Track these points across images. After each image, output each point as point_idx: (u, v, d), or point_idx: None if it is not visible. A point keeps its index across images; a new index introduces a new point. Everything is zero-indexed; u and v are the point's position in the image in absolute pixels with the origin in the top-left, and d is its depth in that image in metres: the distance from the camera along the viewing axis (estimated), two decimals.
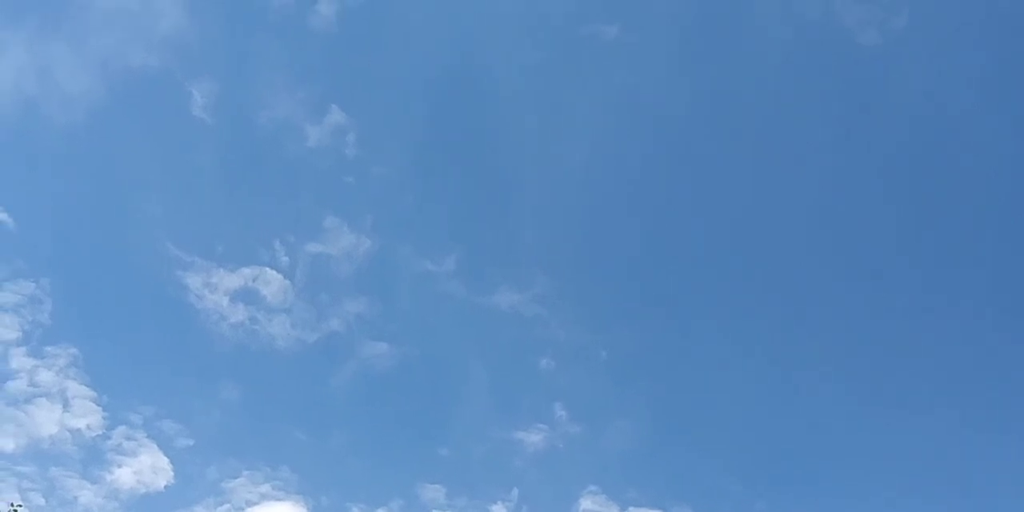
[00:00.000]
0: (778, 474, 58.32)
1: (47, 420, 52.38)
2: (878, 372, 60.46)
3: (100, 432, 53.04)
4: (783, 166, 64.34)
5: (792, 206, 64.36)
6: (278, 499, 53.13)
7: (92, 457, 52.78)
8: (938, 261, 62.06)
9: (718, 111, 64.86)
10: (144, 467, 52.51)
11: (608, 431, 58.85)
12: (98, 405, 53.49)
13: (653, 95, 65.10)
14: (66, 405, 53.11)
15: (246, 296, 57.79)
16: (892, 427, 58.63)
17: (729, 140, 64.48)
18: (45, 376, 53.40)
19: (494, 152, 64.61)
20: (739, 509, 56.34)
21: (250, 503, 52.83)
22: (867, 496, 56.74)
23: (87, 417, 52.98)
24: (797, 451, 59.20)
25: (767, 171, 64.53)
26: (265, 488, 53.40)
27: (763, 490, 57.58)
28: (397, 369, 59.52)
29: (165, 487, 52.65)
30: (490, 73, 64.71)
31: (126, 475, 52.20)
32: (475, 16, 65.12)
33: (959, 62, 62.65)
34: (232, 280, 57.67)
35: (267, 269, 58.38)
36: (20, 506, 18.10)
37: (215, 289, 57.28)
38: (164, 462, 52.97)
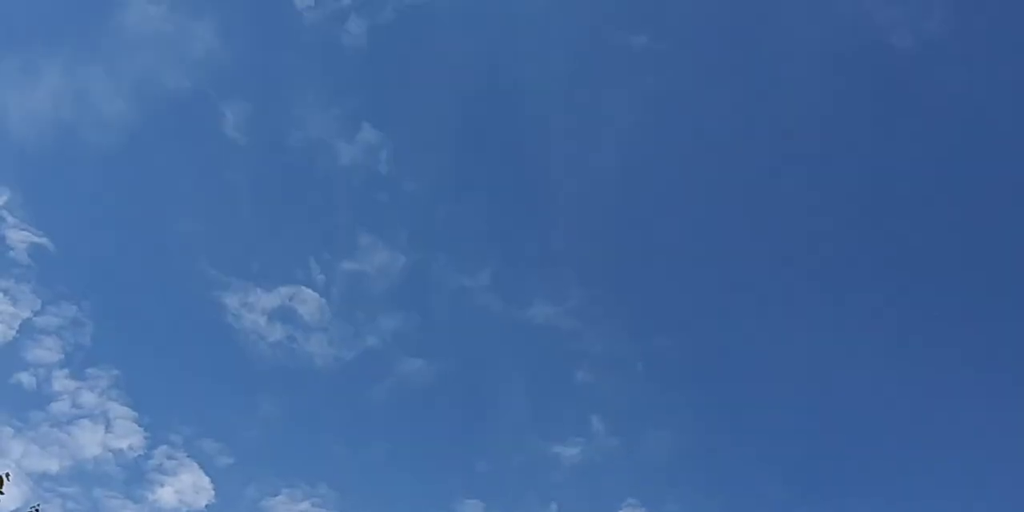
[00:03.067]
0: (821, 483, 58.04)
1: (90, 441, 53.14)
2: (928, 376, 60.02)
3: (142, 452, 53.68)
4: (817, 170, 64.09)
5: (827, 211, 64.02)
6: None
7: (134, 477, 53.44)
8: (968, 262, 61.55)
9: (750, 117, 64.62)
10: (185, 486, 53.08)
11: (646, 443, 58.82)
12: (139, 425, 54.14)
13: (685, 103, 65.18)
14: (108, 426, 53.84)
15: (283, 315, 58.27)
16: (944, 434, 58.22)
17: (762, 145, 64.33)
18: (87, 397, 54.16)
19: (526, 164, 64.80)
20: None
21: None
22: (915, 505, 56.54)
23: (129, 437, 53.65)
24: (841, 459, 58.92)
25: (801, 176, 64.29)
26: (305, 505, 53.81)
27: (805, 499, 57.37)
28: (434, 384, 59.81)
29: (206, 506, 53.20)
30: (520, 85, 64.84)
31: (168, 494, 52.79)
32: (504, 29, 65.27)
33: (995, 64, 62.02)
34: (269, 299, 58.18)
35: (303, 288, 58.84)
36: None
37: (252, 308, 57.81)
38: (205, 481, 53.49)
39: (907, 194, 63.00)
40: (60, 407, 53.80)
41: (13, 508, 17.97)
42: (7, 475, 17.45)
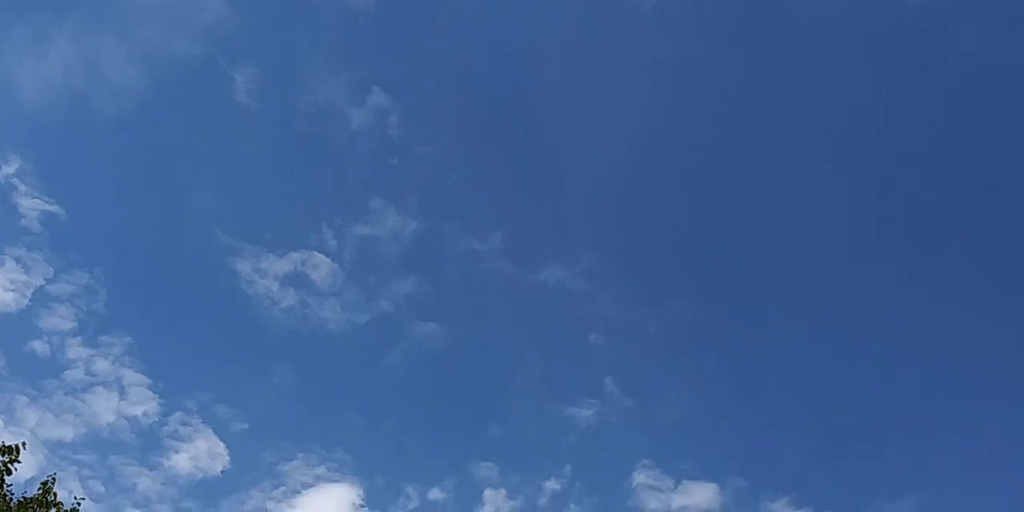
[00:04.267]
0: (836, 444, 58.23)
1: (104, 409, 53.38)
2: (947, 337, 60.07)
3: (156, 419, 53.88)
4: (832, 131, 63.73)
5: (843, 172, 63.84)
6: (333, 480, 53.81)
7: (149, 444, 53.65)
8: (982, 230, 61.33)
9: (762, 78, 64.21)
10: (200, 452, 53.34)
11: (660, 404, 58.97)
12: (154, 392, 54.34)
13: (696, 64, 64.84)
14: (122, 393, 54.05)
15: (296, 280, 58.33)
16: (963, 395, 58.28)
17: (775, 106, 64.04)
18: (101, 365, 54.35)
19: (537, 127, 64.59)
20: (795, 480, 56.25)
21: (306, 485, 53.54)
22: (928, 465, 56.70)
23: (143, 404, 53.86)
24: (856, 419, 59.06)
25: (817, 138, 64.01)
26: (320, 470, 54.11)
27: (820, 460, 57.60)
28: (447, 348, 59.95)
29: (222, 471, 53.46)
30: (530, 48, 64.58)
31: (183, 461, 53.07)
32: None
33: (1012, 20, 61.50)
34: (281, 265, 58.20)
35: (315, 253, 58.82)
36: (84, 499, 18.59)
37: (265, 274, 57.88)
38: (220, 447, 53.74)
39: (922, 154, 62.81)
40: (74, 375, 54.07)
41: (29, 476, 18.05)
42: (23, 444, 17.55)
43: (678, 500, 53.68)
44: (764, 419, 59.31)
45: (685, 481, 54.46)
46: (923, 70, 62.54)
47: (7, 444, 17.45)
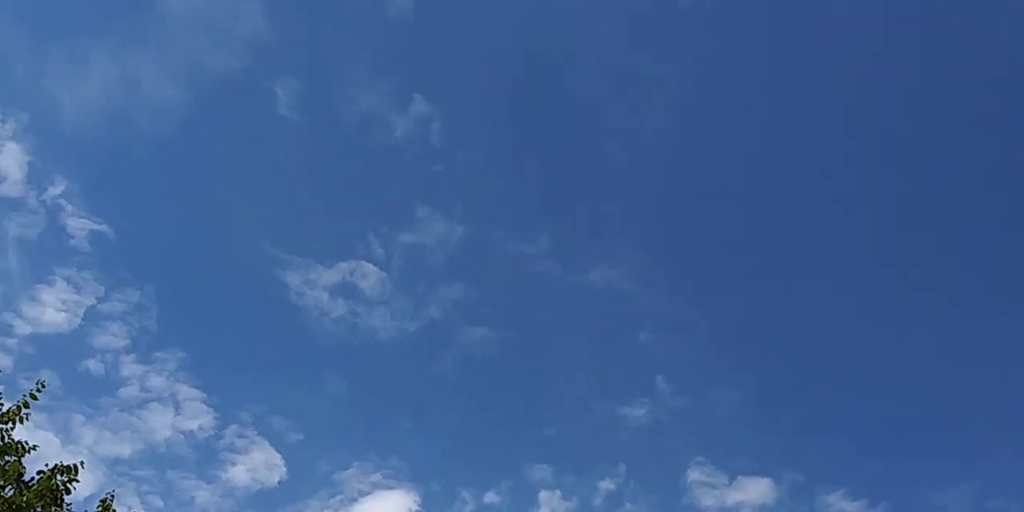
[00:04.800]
0: (888, 438, 57.80)
1: (160, 424, 53.83)
2: (994, 329, 59.47)
3: (212, 432, 54.29)
4: (876, 120, 63.27)
5: (891, 160, 63.33)
6: (389, 487, 54.02)
7: (206, 457, 54.14)
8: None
9: (803, 68, 63.90)
10: (257, 464, 53.71)
11: (712, 401, 58.85)
12: (208, 406, 54.74)
13: (735, 60, 64.39)
14: (178, 408, 54.48)
15: (345, 290, 58.60)
16: (1007, 384, 57.70)
17: (817, 100, 63.67)
18: (156, 381, 54.80)
19: (579, 128, 64.55)
20: (850, 472, 56.00)
21: (362, 493, 53.77)
22: (983, 453, 56.13)
23: (199, 418, 54.28)
24: (906, 410, 58.62)
25: (859, 127, 63.54)
26: (376, 477, 54.31)
27: (873, 451, 57.22)
28: (497, 352, 60.05)
29: (279, 482, 53.83)
30: (568, 49, 64.46)
31: (240, 473, 53.45)
32: None
33: None
34: (330, 275, 58.48)
35: (363, 262, 59.09)
36: None
37: (314, 286, 58.16)
38: (276, 458, 54.08)
39: (970, 147, 62.16)
40: (129, 392, 54.58)
41: (89, 494, 18.21)
42: (81, 463, 17.68)
43: (733, 496, 53.52)
44: (816, 412, 59.14)
45: (739, 477, 54.32)
46: (963, 64, 62.05)
47: (66, 463, 17.61)
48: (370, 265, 58.96)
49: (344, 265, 58.76)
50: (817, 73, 63.01)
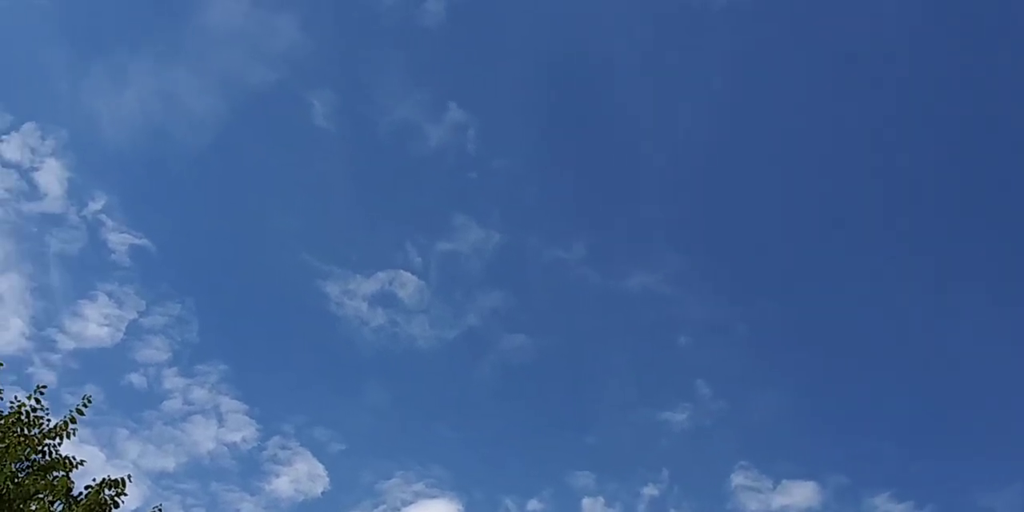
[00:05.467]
0: (932, 435, 57.39)
1: (204, 436, 54.09)
2: None
3: (255, 444, 54.48)
4: (917, 122, 62.84)
5: (933, 164, 62.89)
6: (432, 497, 54.02)
7: (250, 469, 54.33)
8: None
9: (839, 70, 63.53)
10: (300, 475, 53.82)
11: (754, 405, 58.57)
12: (251, 418, 54.94)
13: (771, 62, 64.15)
14: (220, 420, 54.74)
15: (384, 300, 58.71)
16: None
17: (854, 99, 63.30)
18: (198, 394, 55.08)
19: (614, 133, 64.43)
20: (896, 474, 55.58)
21: (405, 503, 53.81)
22: None
23: (242, 430, 54.48)
24: (952, 410, 58.15)
25: (900, 129, 63.13)
26: (419, 487, 54.32)
27: (919, 452, 56.78)
28: (537, 359, 60.02)
29: (322, 493, 53.89)
30: (602, 55, 64.40)
31: (284, 484, 53.59)
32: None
33: None
34: (369, 285, 58.60)
35: (401, 271, 59.16)
36: None
37: (353, 295, 58.31)
38: (319, 468, 54.17)
39: (1013, 137, 61.60)
40: (172, 405, 54.83)
41: (135, 508, 18.34)
42: (128, 477, 17.83)
43: (778, 500, 53.22)
44: (860, 413, 58.78)
45: (784, 481, 54.01)
46: (1006, 64, 61.52)
47: (113, 477, 17.77)
48: (408, 274, 59.12)
49: (382, 274, 58.96)
50: (856, 73, 62.74)
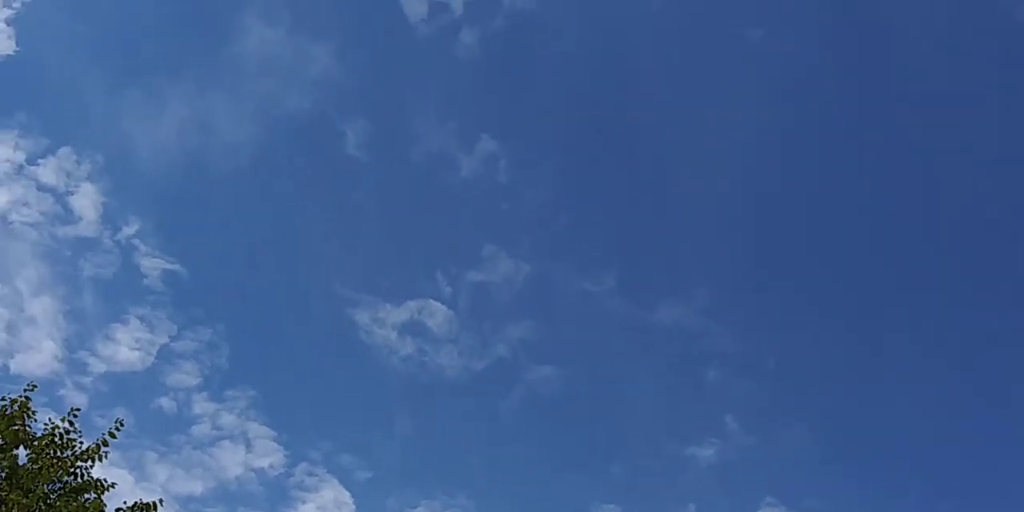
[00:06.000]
0: (964, 480, 56.75)
1: (232, 462, 54.10)
2: None
3: (282, 470, 54.39)
4: (950, 157, 62.57)
5: (964, 201, 62.48)
6: None
7: (277, 495, 54.16)
8: None
9: (873, 104, 63.38)
10: (327, 502, 53.67)
11: (782, 441, 58.03)
12: (279, 444, 54.92)
13: (807, 95, 64.07)
14: (248, 446, 54.75)
15: (413, 329, 58.66)
16: None
17: (889, 134, 63.11)
18: (227, 419, 55.16)
19: (646, 165, 64.42)
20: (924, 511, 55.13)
21: None
22: None
23: (269, 456, 54.45)
24: (982, 452, 57.56)
25: (932, 164, 62.88)
26: None
27: (948, 496, 56.16)
28: (564, 391, 59.74)
29: None
30: (636, 86, 64.57)
31: (310, 511, 53.61)
32: (616, 31, 64.84)
33: None
34: (399, 314, 58.63)
35: (431, 301, 59.12)
36: None
37: (383, 324, 58.34)
38: (345, 496, 53.99)
39: None
40: (201, 430, 54.86)
41: None
42: (160, 501, 17.87)
43: None
44: (889, 451, 58.14)
45: None
46: None
47: (145, 501, 17.82)
48: (438, 303, 59.10)
49: (412, 303, 58.97)
50: (893, 108, 62.70)
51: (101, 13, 63.31)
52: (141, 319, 55.50)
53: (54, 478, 17.53)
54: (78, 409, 18.49)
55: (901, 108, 62.75)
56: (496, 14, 63.21)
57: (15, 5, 56.43)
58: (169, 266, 56.78)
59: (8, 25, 56.17)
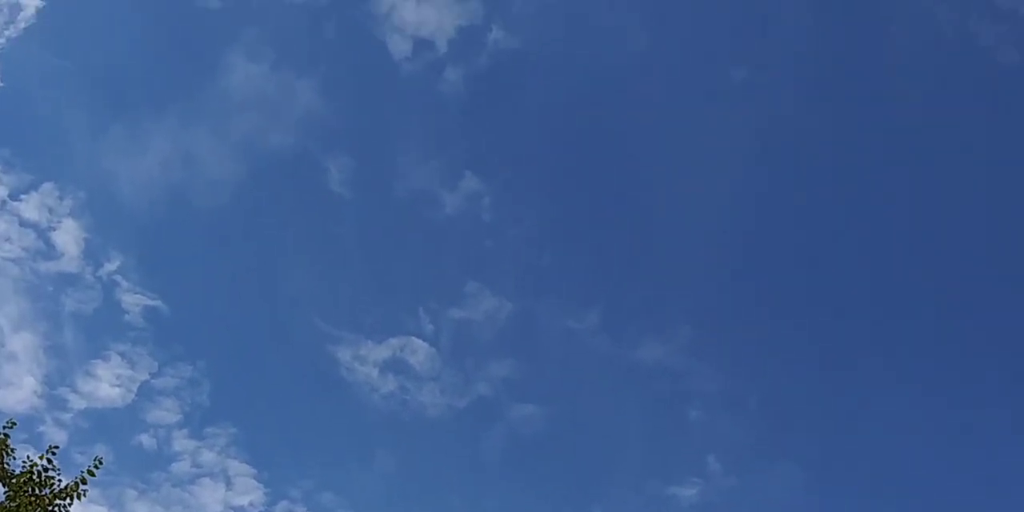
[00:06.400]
0: None
1: (211, 499, 53.74)
2: None
3: (262, 508, 54.10)
4: (934, 199, 62.85)
5: (949, 241, 62.74)
6: None
7: None
8: None
9: (857, 144, 63.77)
10: None
11: (765, 480, 57.77)
12: (259, 482, 54.58)
13: (790, 135, 64.43)
14: (228, 483, 54.37)
15: (395, 366, 58.49)
16: None
17: (871, 174, 63.41)
18: (207, 456, 54.82)
19: (629, 204, 64.61)
20: None
21: None
22: None
23: (249, 494, 54.10)
24: (970, 490, 57.43)
25: (916, 203, 63.13)
26: None
27: None
28: (546, 429, 59.51)
29: None
30: (620, 125, 64.86)
31: None
32: (601, 71, 65.31)
33: None
34: (380, 351, 58.48)
35: (413, 338, 59.00)
36: None
37: (365, 361, 58.16)
38: None
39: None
40: (181, 467, 54.58)
41: None
42: None
43: None
44: (874, 493, 57.94)
45: None
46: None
47: None
48: (420, 341, 58.97)
49: (394, 341, 58.84)
50: (873, 140, 63.07)
51: (85, 49, 63.74)
52: (122, 355, 55.36)
53: None
54: (56, 447, 18.32)
55: (884, 149, 63.26)
56: (480, 52, 63.62)
57: (0, 40, 56.67)
58: (151, 302, 56.66)
59: None
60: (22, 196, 56.21)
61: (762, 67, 63.78)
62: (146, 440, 54.44)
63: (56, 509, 17.89)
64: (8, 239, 55.21)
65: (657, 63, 65.10)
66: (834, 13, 63.90)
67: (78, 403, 53.93)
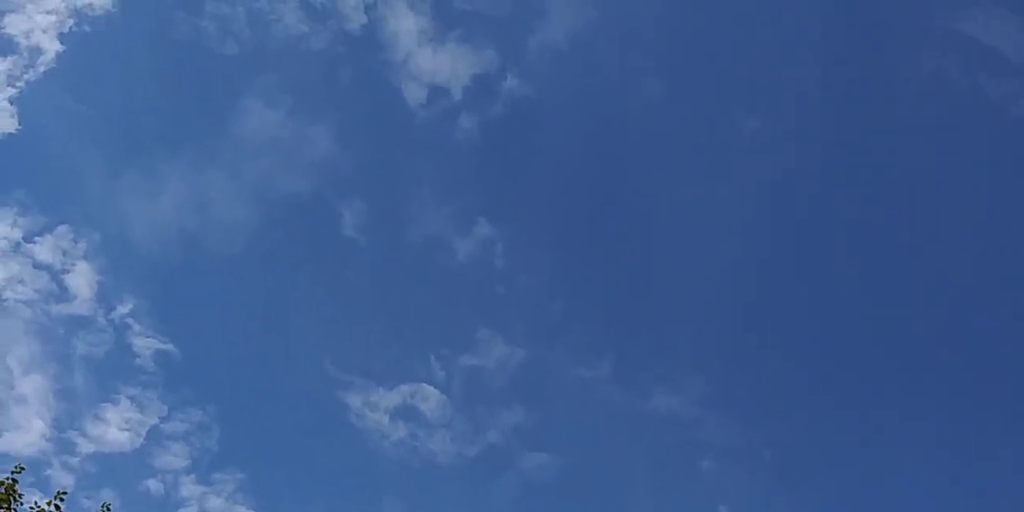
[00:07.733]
0: None
1: None
2: None
3: None
4: (942, 248, 62.77)
5: (959, 290, 62.56)
6: None
7: None
8: None
9: (867, 196, 63.90)
10: None
11: None
12: None
13: (800, 186, 64.60)
14: None
15: (405, 413, 58.31)
16: None
17: (880, 225, 63.40)
18: (214, 502, 54.53)
19: (642, 253, 64.58)
20: None
21: None
22: None
23: None
24: None
25: (927, 256, 63.03)
26: None
27: None
28: (557, 478, 59.08)
29: None
30: (633, 174, 65.08)
31: None
32: (615, 119, 65.72)
33: None
34: (391, 398, 58.31)
35: (424, 385, 58.84)
36: None
37: (375, 408, 57.97)
38: None
39: None
40: None
41: None
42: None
43: None
44: None
45: None
46: None
47: None
48: (431, 388, 58.77)
49: (405, 387, 58.67)
50: (886, 200, 63.11)
51: (102, 93, 64.10)
52: (132, 399, 55.25)
53: None
54: (65, 492, 18.26)
55: (894, 201, 63.31)
56: (495, 100, 63.99)
57: (19, 84, 57.11)
58: (162, 346, 56.64)
59: (11, 104, 56.82)
60: (36, 238, 56.49)
61: (774, 118, 64.23)
62: (153, 485, 54.28)
63: None
64: (21, 281, 55.38)
65: (670, 112, 65.60)
66: (846, 66, 64.50)
67: (86, 447, 53.85)
